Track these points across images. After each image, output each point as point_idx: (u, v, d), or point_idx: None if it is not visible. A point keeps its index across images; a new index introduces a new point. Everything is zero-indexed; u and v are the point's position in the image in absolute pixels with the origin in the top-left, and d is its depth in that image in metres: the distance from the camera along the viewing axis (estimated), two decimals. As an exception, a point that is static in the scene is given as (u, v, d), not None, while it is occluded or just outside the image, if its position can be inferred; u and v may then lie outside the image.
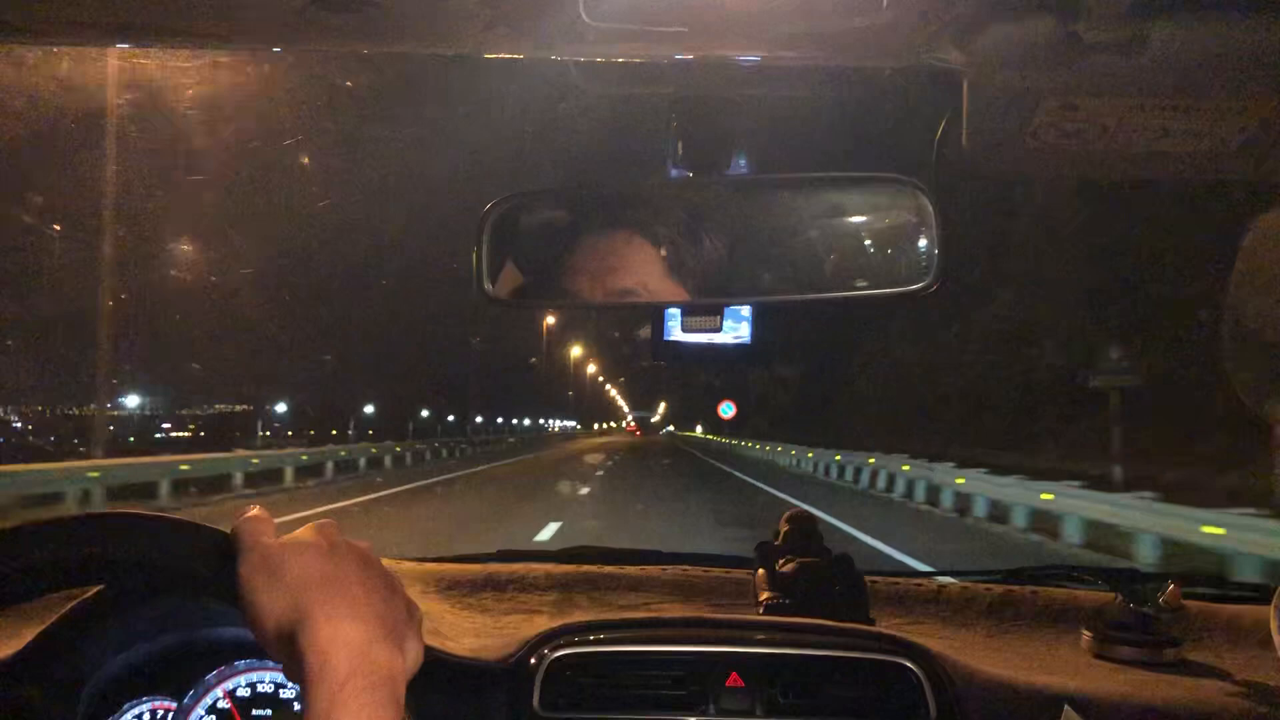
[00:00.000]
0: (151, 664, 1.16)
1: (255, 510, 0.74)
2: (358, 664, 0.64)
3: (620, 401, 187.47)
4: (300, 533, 0.72)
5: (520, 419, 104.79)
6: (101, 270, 15.75)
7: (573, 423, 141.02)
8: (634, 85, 0.97)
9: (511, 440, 49.75)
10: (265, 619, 0.68)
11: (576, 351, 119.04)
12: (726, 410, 48.86)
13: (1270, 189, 0.81)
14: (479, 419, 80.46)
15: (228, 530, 0.73)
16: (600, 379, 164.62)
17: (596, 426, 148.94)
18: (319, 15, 0.81)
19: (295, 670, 0.66)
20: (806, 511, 1.49)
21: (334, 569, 0.69)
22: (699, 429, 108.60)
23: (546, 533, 11.58)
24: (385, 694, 0.65)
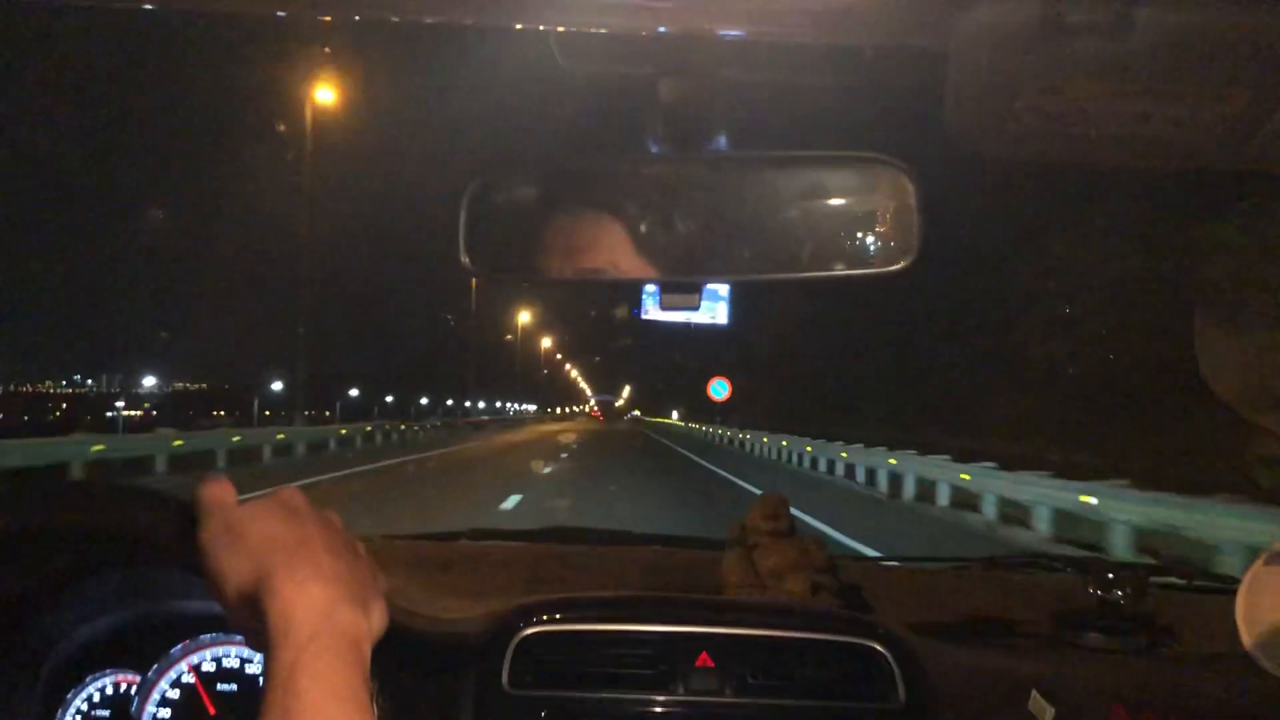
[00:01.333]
0: (115, 637, 1.14)
1: (217, 476, 0.72)
2: (321, 625, 0.64)
3: (583, 385, 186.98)
4: (264, 498, 0.71)
5: (475, 402, 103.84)
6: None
7: (532, 406, 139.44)
8: (614, 60, 0.96)
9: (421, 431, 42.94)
10: (228, 583, 0.67)
11: (527, 322, 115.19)
12: (719, 390, 37.93)
13: (1251, 177, 0.81)
14: (424, 400, 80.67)
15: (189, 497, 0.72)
16: (561, 359, 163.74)
17: (557, 410, 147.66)
18: None
19: (258, 636, 0.65)
20: (780, 494, 1.49)
21: (297, 533, 0.68)
22: (675, 415, 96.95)
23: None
24: (350, 656, 0.64)
